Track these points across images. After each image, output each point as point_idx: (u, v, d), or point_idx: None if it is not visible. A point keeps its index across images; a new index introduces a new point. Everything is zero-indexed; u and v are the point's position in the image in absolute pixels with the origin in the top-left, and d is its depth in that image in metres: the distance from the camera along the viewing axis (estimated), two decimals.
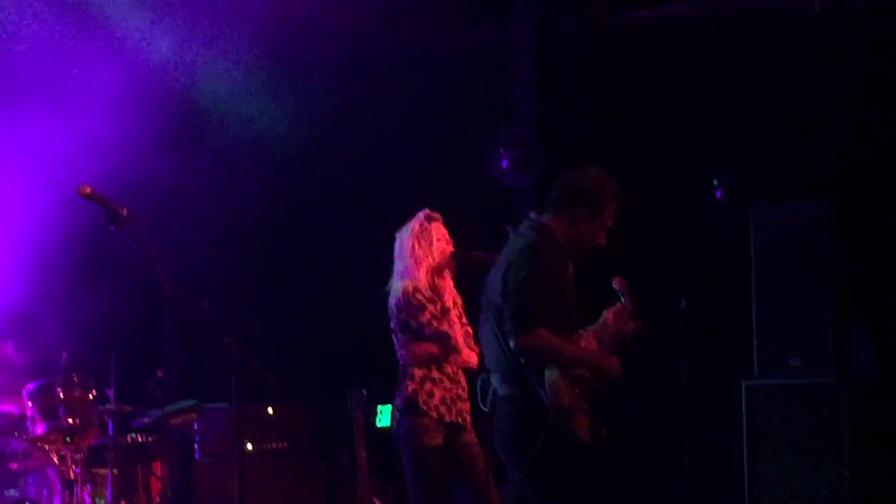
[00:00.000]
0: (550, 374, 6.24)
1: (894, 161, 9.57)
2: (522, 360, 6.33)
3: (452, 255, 7.88)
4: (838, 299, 9.04)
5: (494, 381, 6.57)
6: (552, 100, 10.67)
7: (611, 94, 10.35)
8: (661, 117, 10.03)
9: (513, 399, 6.44)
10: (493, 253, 6.90)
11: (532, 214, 6.65)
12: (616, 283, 6.64)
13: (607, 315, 6.60)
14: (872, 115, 9.53)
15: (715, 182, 9.41)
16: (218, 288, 10.15)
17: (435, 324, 7.78)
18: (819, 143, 9.58)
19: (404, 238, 7.92)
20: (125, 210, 6.03)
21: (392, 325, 7.88)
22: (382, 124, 10.56)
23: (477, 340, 7.58)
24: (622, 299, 6.64)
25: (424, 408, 7.69)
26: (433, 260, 7.85)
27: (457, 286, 7.98)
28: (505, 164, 10.34)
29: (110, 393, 9.21)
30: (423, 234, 7.88)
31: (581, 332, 6.47)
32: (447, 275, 7.94)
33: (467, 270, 7.91)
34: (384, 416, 9.97)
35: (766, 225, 9.14)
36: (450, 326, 7.82)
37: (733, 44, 9.98)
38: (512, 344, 6.30)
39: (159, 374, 9.37)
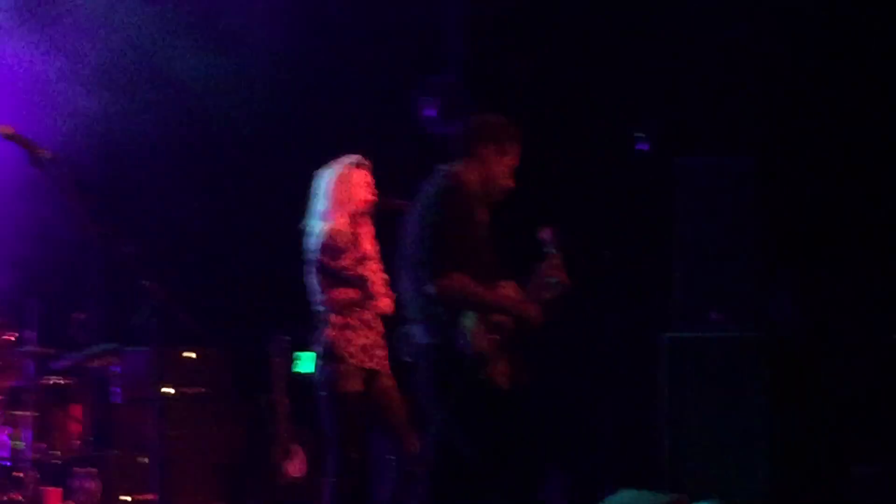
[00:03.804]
0: (466, 321, 6.27)
1: (821, 117, 9.59)
2: (438, 307, 6.35)
3: (373, 203, 7.86)
4: (761, 255, 9.08)
5: (415, 330, 6.58)
6: (481, 48, 10.64)
7: (540, 44, 10.31)
8: (589, 67, 10.01)
9: (432, 347, 6.46)
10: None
11: (441, 166, 6.67)
12: (544, 234, 6.62)
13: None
14: (799, 69, 9.55)
15: (639, 135, 9.45)
16: (144, 230, 10.09)
17: (355, 268, 7.77)
18: (746, 97, 9.59)
19: (327, 180, 7.90)
20: (47, 151, 5.98)
21: (309, 267, 7.87)
22: (306, 70, 10.48)
23: (394, 288, 7.60)
24: (552, 251, 6.62)
25: (344, 354, 7.70)
26: (354, 206, 7.84)
27: (376, 234, 7.97)
28: (433, 112, 10.31)
29: (32, 335, 9.15)
30: (347, 179, 7.87)
31: (502, 281, 6.49)
32: (367, 221, 7.94)
33: (387, 218, 7.91)
34: (303, 362, 9.97)
35: (690, 178, 9.16)
36: (370, 273, 7.82)
37: None
38: (427, 289, 6.32)
39: (80, 316, 9.32)
